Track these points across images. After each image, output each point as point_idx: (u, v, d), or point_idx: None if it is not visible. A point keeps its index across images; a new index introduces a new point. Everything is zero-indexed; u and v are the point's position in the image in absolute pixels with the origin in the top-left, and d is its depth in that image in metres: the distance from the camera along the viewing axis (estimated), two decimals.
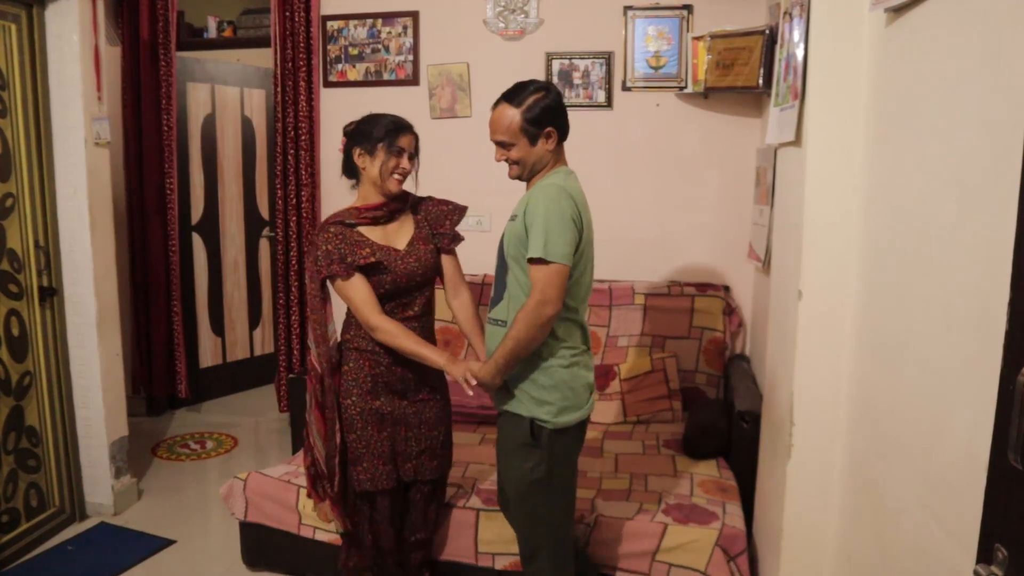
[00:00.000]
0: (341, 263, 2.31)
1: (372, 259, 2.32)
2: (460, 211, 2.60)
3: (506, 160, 2.24)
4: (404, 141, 2.38)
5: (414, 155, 2.44)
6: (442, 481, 2.66)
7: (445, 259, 2.54)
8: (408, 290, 2.41)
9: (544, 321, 2.07)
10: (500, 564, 2.65)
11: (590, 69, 3.82)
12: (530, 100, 2.16)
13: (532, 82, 2.23)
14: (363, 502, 2.48)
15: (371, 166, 2.37)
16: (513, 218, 2.21)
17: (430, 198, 2.59)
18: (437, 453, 2.54)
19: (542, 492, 2.20)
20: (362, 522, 2.50)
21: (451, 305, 2.57)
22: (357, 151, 2.39)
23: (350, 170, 2.46)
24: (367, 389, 2.43)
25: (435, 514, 2.64)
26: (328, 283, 2.38)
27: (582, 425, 2.27)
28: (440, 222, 2.53)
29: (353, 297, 2.34)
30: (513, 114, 2.17)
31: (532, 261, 2.06)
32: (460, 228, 2.65)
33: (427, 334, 2.48)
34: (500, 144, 2.23)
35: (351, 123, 2.47)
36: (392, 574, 2.57)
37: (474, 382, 2.21)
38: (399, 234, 2.45)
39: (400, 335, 2.32)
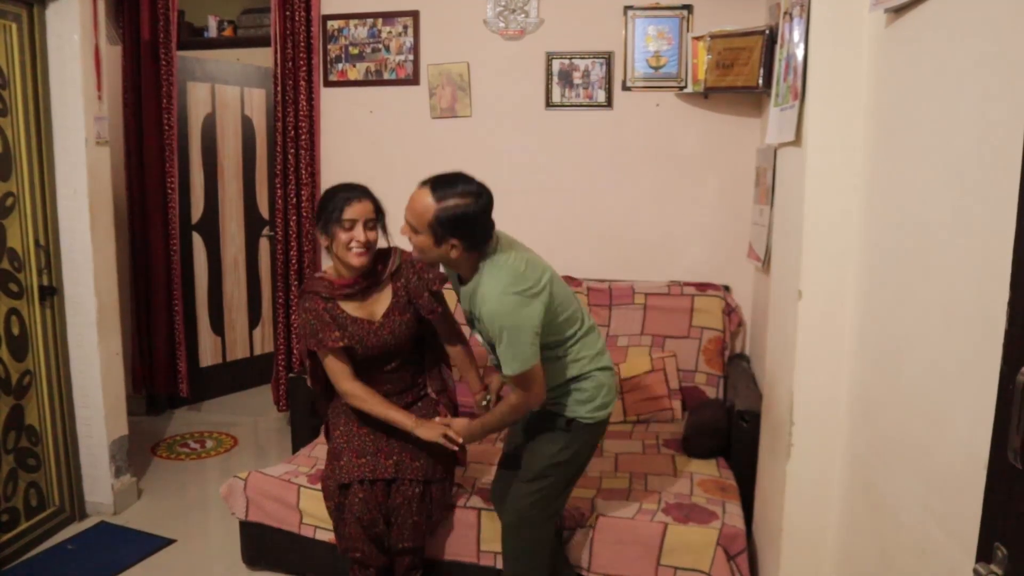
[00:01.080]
0: (315, 338, 2.42)
1: (341, 343, 2.42)
2: (440, 279, 2.55)
3: (409, 239, 2.18)
4: (352, 211, 2.36)
5: (376, 220, 2.43)
6: (434, 486, 2.57)
7: (435, 320, 2.58)
8: (382, 357, 2.53)
9: (530, 408, 2.24)
10: (501, 563, 2.65)
11: (590, 69, 3.82)
12: (451, 201, 2.07)
13: (464, 181, 2.13)
14: (341, 495, 2.52)
15: (332, 245, 2.40)
16: (479, 320, 2.18)
17: (412, 263, 2.53)
18: (419, 453, 2.52)
19: (558, 473, 2.32)
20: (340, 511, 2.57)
21: (447, 349, 2.68)
22: (319, 234, 2.42)
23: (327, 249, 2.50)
24: None
25: (424, 524, 2.55)
26: None
27: (606, 421, 2.39)
28: (419, 293, 2.53)
29: (328, 368, 2.48)
30: (428, 204, 2.08)
31: (508, 374, 2.15)
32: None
33: (407, 383, 2.63)
34: (408, 224, 2.15)
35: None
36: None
37: (460, 440, 2.37)
38: (376, 304, 2.51)
39: (369, 400, 2.45)
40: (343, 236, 2.36)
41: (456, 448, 2.39)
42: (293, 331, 4.28)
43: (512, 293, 2.07)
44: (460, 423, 2.42)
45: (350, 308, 2.47)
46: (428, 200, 2.08)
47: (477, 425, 2.37)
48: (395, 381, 2.58)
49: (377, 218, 2.44)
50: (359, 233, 2.36)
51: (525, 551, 2.37)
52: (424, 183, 2.13)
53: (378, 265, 2.51)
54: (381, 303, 2.50)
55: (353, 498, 2.49)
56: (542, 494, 2.32)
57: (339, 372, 2.45)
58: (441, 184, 2.11)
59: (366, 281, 2.47)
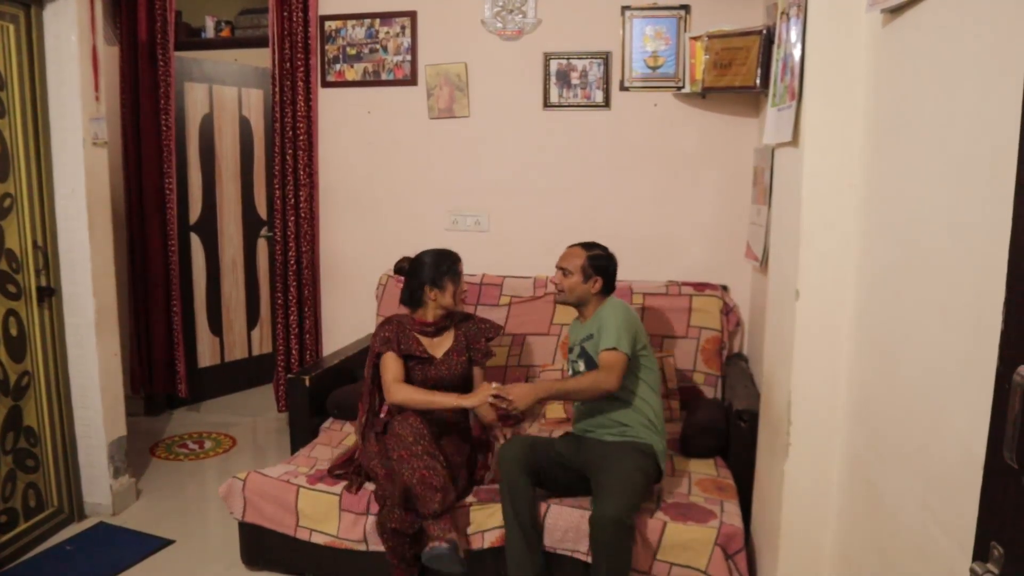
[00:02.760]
0: (396, 345, 2.88)
1: (425, 354, 2.90)
2: (496, 329, 3.11)
3: (556, 284, 2.90)
4: (461, 267, 2.95)
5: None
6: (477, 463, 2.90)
7: (475, 368, 3.03)
8: (436, 388, 2.89)
9: (600, 392, 2.65)
10: (488, 541, 2.68)
11: (588, 69, 3.82)
12: (596, 251, 2.88)
13: (601, 245, 2.92)
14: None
15: (443, 297, 2.90)
16: (591, 337, 2.78)
17: (473, 317, 3.11)
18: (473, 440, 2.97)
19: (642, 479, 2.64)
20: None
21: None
22: (428, 289, 2.90)
23: (413, 300, 2.95)
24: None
25: (459, 493, 2.73)
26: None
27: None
28: (477, 339, 3.03)
29: (386, 368, 2.86)
30: (580, 253, 2.87)
31: (605, 350, 2.67)
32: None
33: (456, 415, 2.95)
34: (562, 271, 2.87)
35: (402, 260, 3.05)
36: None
37: (511, 400, 2.62)
38: (440, 345, 2.97)
39: (411, 393, 2.80)
40: (459, 288, 2.93)
41: (505, 407, 2.68)
42: (292, 331, 4.28)
43: (623, 307, 2.84)
44: (520, 387, 2.70)
45: (423, 342, 2.93)
46: (581, 251, 2.88)
47: (545, 387, 2.81)
48: (445, 413, 2.90)
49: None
50: (464, 286, 2.98)
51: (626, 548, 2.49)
52: (573, 245, 2.93)
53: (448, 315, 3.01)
54: (444, 344, 2.97)
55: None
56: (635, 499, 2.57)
57: (394, 371, 2.84)
58: (587, 244, 2.92)
59: (441, 323, 2.96)
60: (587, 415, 2.84)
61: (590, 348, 2.80)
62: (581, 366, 2.84)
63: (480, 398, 2.70)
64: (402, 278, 3.05)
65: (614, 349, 2.67)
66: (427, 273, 2.90)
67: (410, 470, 2.56)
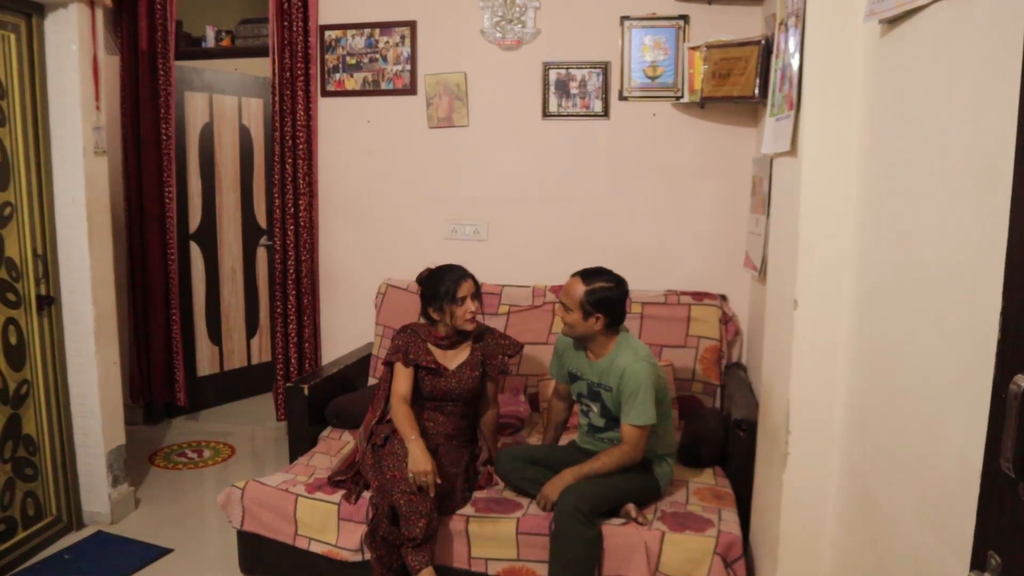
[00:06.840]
0: (404, 355, 2.90)
1: (433, 364, 2.90)
2: (516, 347, 3.06)
3: (561, 318, 2.75)
4: (463, 290, 2.86)
5: (476, 295, 2.92)
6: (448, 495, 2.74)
7: (488, 383, 3.02)
8: (444, 401, 2.93)
9: (630, 462, 2.63)
10: (493, 570, 2.65)
11: (587, 79, 3.84)
12: (597, 284, 2.64)
13: (607, 272, 2.70)
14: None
15: (444, 317, 2.91)
16: (608, 389, 2.68)
17: (493, 332, 3.06)
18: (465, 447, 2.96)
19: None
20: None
21: (479, 410, 3.07)
22: (431, 309, 2.93)
23: (425, 314, 2.99)
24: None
25: (456, 504, 2.74)
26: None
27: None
28: (494, 355, 3.00)
29: (396, 381, 2.89)
30: (579, 288, 2.65)
31: (630, 424, 2.59)
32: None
33: (462, 429, 3.00)
34: (562, 305, 2.71)
35: (425, 271, 3.02)
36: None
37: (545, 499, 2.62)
38: (455, 358, 2.97)
39: (401, 419, 2.78)
40: (458, 310, 2.86)
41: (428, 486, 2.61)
42: (291, 340, 4.28)
43: (647, 361, 2.63)
44: (551, 484, 2.63)
45: (435, 353, 2.95)
46: (579, 285, 2.65)
47: (575, 472, 2.63)
48: (451, 424, 2.97)
49: (476, 290, 2.93)
50: (469, 306, 2.88)
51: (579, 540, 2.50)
52: (575, 274, 2.71)
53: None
54: (459, 358, 2.96)
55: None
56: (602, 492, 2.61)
57: (402, 387, 2.86)
58: (589, 274, 2.68)
59: (455, 338, 2.96)
60: (590, 434, 2.86)
61: (608, 400, 2.70)
62: (594, 409, 2.77)
63: (415, 465, 2.58)
64: (416, 288, 3.08)
65: (640, 426, 2.60)
66: (431, 293, 2.93)
67: (400, 492, 2.56)
